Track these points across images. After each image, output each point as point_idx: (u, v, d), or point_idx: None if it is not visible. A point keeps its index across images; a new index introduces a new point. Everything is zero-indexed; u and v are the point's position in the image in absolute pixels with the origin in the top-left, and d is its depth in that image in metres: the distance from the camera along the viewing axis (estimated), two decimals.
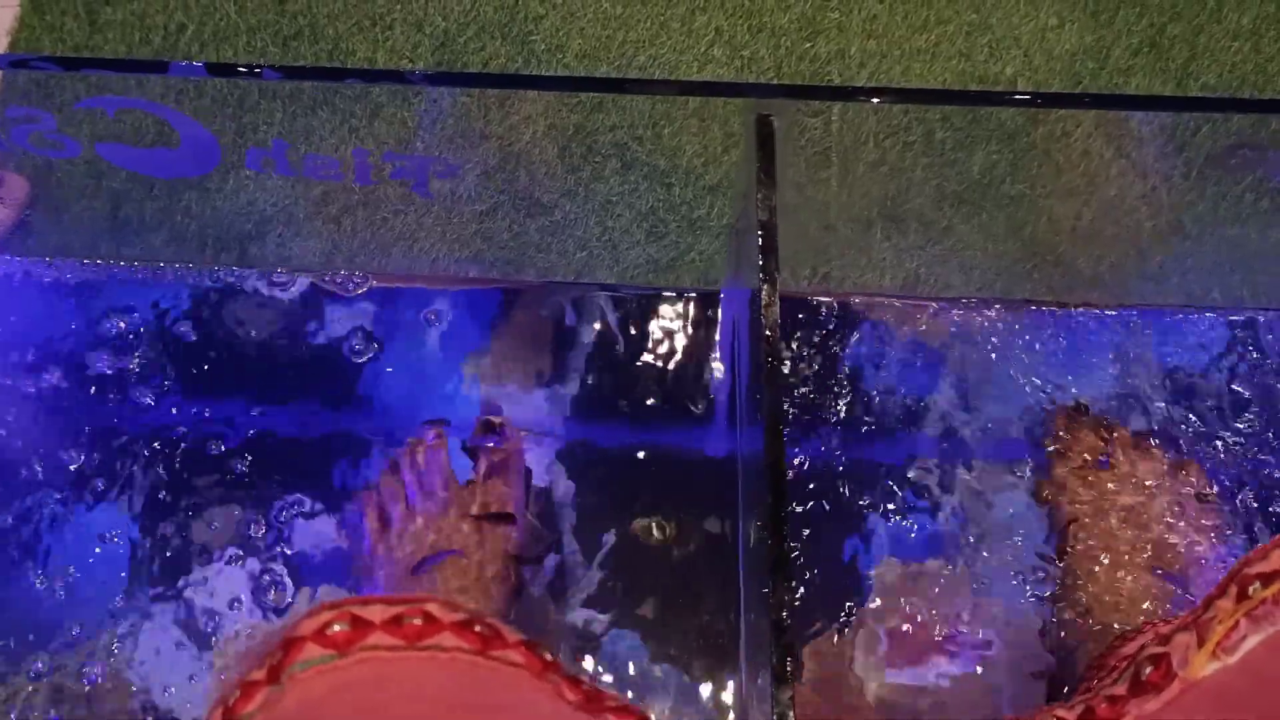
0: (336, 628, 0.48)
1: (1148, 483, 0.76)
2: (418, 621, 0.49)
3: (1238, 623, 0.48)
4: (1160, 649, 0.52)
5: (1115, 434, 0.79)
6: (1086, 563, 0.75)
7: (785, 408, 0.87)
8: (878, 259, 0.99)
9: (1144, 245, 0.92)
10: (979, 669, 0.78)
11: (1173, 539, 0.75)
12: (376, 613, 0.49)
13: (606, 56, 1.06)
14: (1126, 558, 0.74)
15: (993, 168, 0.96)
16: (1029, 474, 0.83)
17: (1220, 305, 0.92)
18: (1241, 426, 0.86)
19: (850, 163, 0.99)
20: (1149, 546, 0.74)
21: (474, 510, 0.74)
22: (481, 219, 1.00)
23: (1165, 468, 0.77)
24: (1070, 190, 0.95)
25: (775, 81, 1.04)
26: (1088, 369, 0.88)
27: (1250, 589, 0.48)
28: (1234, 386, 0.88)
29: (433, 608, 0.50)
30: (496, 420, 0.81)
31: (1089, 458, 0.79)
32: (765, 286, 0.50)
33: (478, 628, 0.50)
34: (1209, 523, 0.77)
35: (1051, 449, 0.82)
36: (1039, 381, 0.89)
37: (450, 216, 1.01)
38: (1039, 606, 0.79)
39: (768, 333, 0.49)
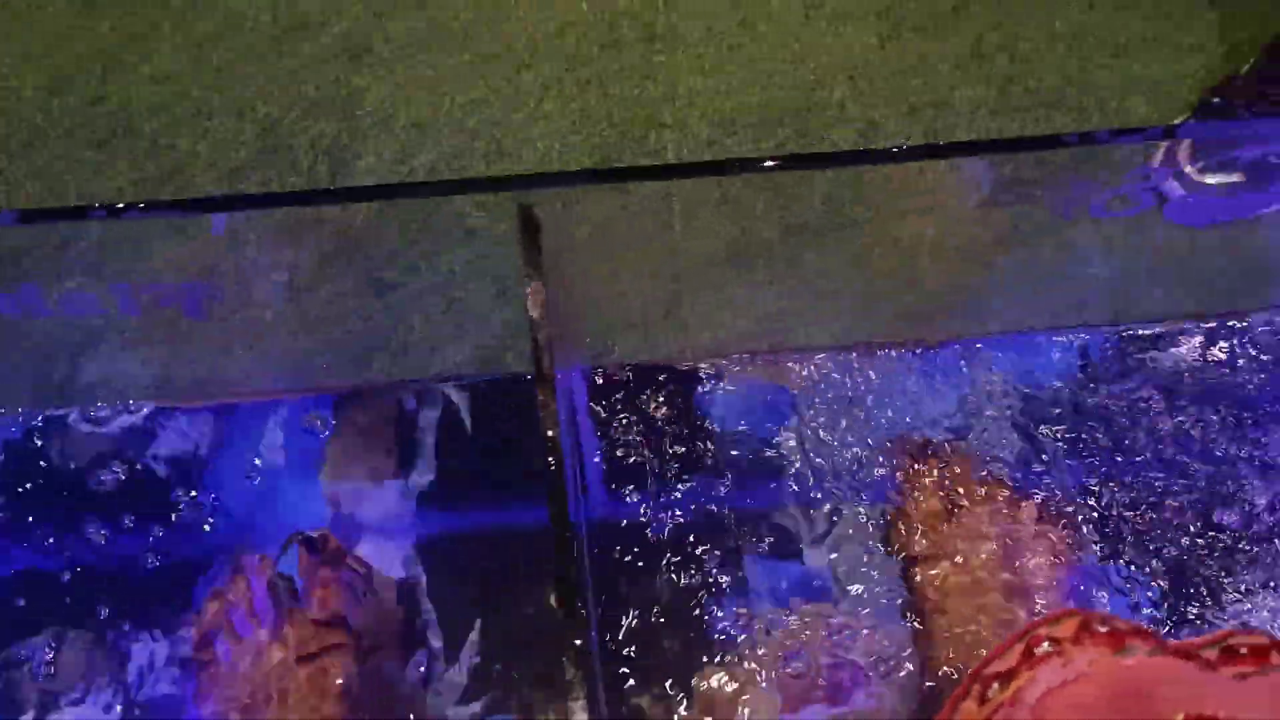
0: None
1: (991, 513, 0.75)
2: None
3: None
4: None
5: (957, 467, 0.79)
6: (940, 597, 0.74)
7: (646, 468, 0.86)
8: (729, 299, 0.98)
9: (980, 266, 0.93)
10: (865, 705, 0.78)
11: (1022, 565, 0.75)
12: None
13: (436, 124, 1.04)
14: (977, 589, 0.74)
15: (833, 194, 0.96)
16: (885, 513, 0.83)
17: (1056, 327, 0.92)
18: (1083, 448, 0.86)
19: (691, 206, 0.98)
20: (998, 575, 0.74)
21: (308, 638, 0.71)
22: (325, 305, 0.97)
23: (1008, 497, 0.77)
24: (910, 210, 0.95)
25: (604, 132, 1.03)
26: (934, 404, 0.88)
27: (989, 691, 0.47)
28: (1074, 408, 0.88)
29: None
30: (316, 535, 0.77)
31: (933, 494, 0.79)
32: (540, 389, 0.48)
33: None
34: (1055, 547, 0.77)
35: (899, 488, 0.81)
36: (891, 420, 0.88)
37: (293, 307, 0.98)
38: (910, 643, 0.79)
39: (549, 433, 0.47)
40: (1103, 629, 0.45)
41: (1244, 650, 0.43)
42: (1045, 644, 0.46)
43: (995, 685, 0.46)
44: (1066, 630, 0.46)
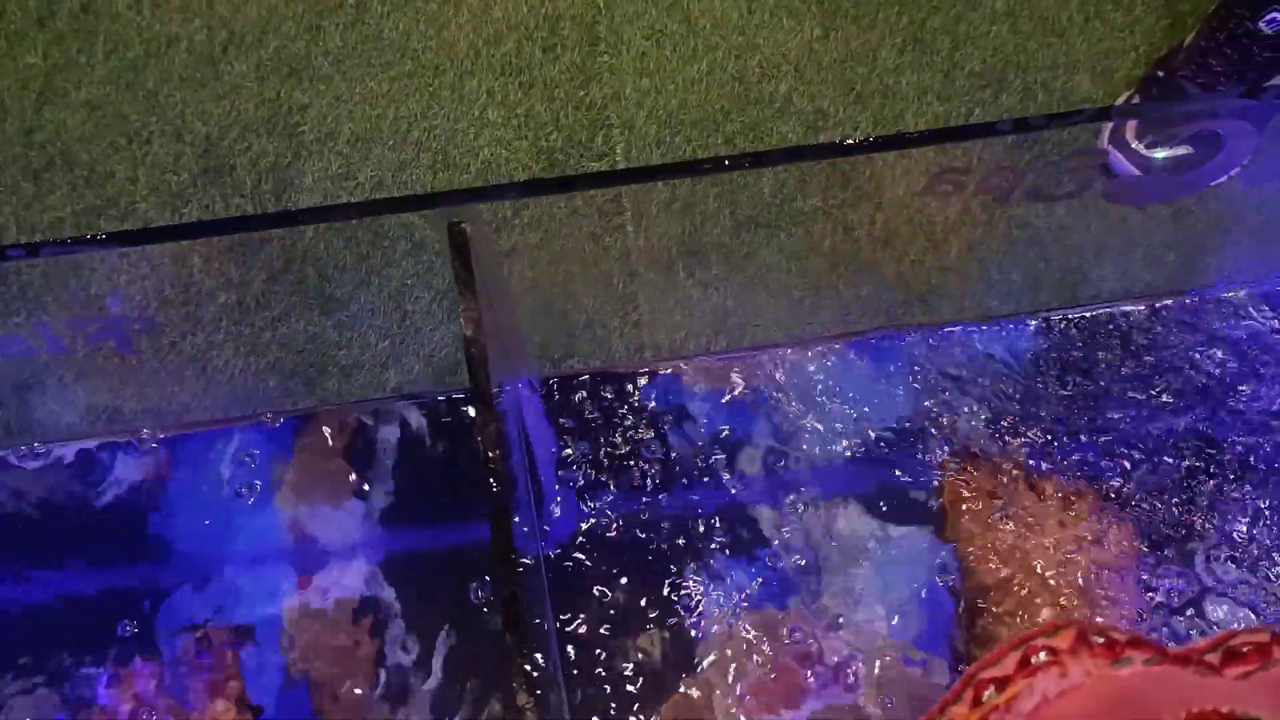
0: None
1: (1036, 514, 0.75)
2: None
3: None
4: None
5: (998, 467, 0.79)
6: (984, 596, 0.74)
7: (606, 473, 0.85)
8: (685, 297, 0.97)
9: (938, 253, 0.92)
10: (844, 701, 0.77)
11: (1067, 562, 0.75)
12: None
13: (380, 137, 1.02)
14: (1022, 587, 0.73)
15: (783, 186, 0.95)
16: (882, 506, 0.82)
17: (1023, 312, 0.92)
18: (1056, 428, 0.85)
19: (641, 204, 0.97)
20: (1046, 575, 0.73)
21: None
22: (274, 325, 0.96)
23: (1049, 495, 0.76)
24: (860, 196, 0.94)
25: (551, 137, 1.02)
26: (902, 393, 0.87)
27: (984, 695, 0.47)
28: (1041, 390, 0.87)
29: None
30: (199, 631, 0.75)
31: (978, 497, 0.79)
32: (479, 409, 0.47)
33: None
34: (1098, 542, 0.77)
35: (940, 491, 0.81)
36: (857, 412, 0.87)
37: (241, 329, 0.96)
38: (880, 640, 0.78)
39: (490, 454, 0.46)
40: (1099, 640, 0.45)
41: (1246, 650, 0.42)
42: (1042, 654, 0.45)
43: (990, 689, 0.45)
44: (1063, 641, 0.45)
